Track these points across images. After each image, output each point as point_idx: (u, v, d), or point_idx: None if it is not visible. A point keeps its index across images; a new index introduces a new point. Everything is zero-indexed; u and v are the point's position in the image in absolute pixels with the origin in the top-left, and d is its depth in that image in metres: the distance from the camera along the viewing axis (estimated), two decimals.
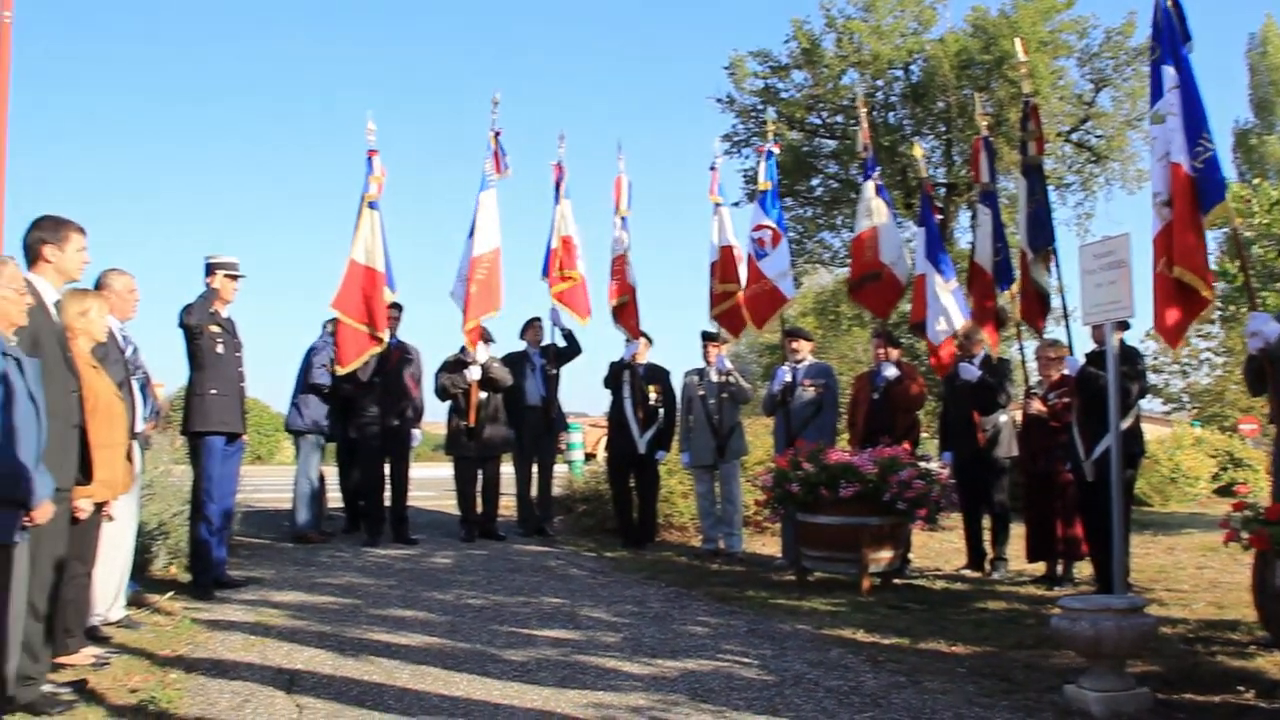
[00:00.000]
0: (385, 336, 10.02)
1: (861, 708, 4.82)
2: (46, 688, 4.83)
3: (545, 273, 11.29)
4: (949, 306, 9.52)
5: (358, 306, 9.86)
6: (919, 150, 13.90)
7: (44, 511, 4.36)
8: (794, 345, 9.83)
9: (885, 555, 7.93)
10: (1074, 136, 20.95)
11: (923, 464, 8.01)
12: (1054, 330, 9.83)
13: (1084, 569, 8.25)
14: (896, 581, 8.22)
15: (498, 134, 10.95)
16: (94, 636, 6.01)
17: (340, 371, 9.97)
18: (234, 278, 7.89)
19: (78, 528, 5.30)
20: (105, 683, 5.19)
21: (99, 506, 5.59)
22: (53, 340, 4.92)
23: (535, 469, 11.36)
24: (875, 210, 10.05)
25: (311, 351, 10.57)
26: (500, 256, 10.70)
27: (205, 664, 5.60)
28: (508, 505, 11.65)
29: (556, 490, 12.06)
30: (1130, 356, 7.41)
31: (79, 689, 5.00)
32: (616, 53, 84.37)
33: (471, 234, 10.71)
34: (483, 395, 10.64)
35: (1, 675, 4.30)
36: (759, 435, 12.13)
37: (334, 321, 10.28)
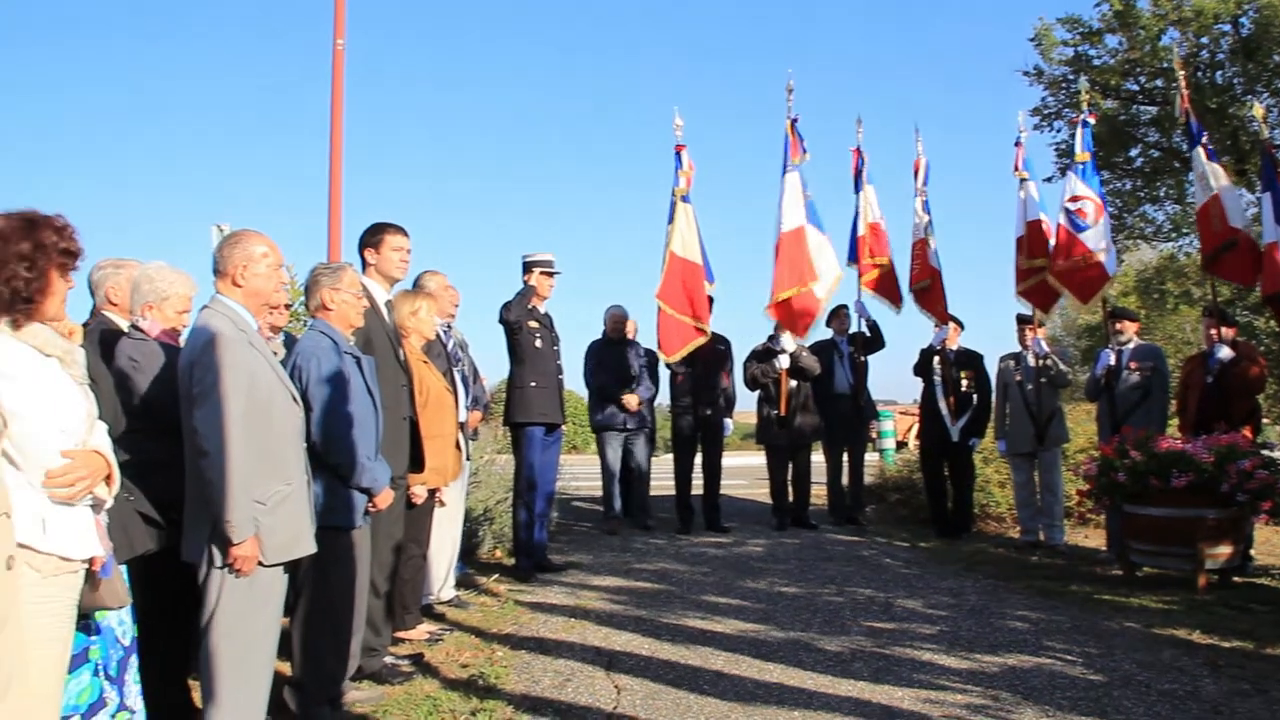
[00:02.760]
0: (708, 328, 10.18)
1: (1200, 715, 4.47)
2: (388, 659, 5.26)
3: (852, 259, 11.16)
4: None
5: (679, 298, 10.08)
6: (1259, 110, 12.74)
7: (384, 498, 4.70)
8: (1119, 326, 9.29)
9: (1223, 551, 7.33)
10: None
11: (1266, 452, 7.40)
12: None
13: None
14: (1236, 579, 7.62)
15: (794, 121, 10.90)
16: (428, 614, 6.46)
17: (667, 361, 10.21)
18: (550, 274, 8.22)
19: (413, 512, 5.71)
20: (439, 657, 5.58)
21: (432, 492, 5.99)
22: (384, 338, 5.30)
23: (846, 458, 11.28)
24: (1213, 176, 9.24)
25: (589, 353, 10.87)
26: (804, 235, 10.63)
27: (529, 643, 5.88)
28: (819, 494, 11.59)
29: (868, 479, 11.95)
30: None
31: (416, 661, 5.41)
32: (913, 29, 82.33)
33: (780, 218, 10.71)
34: (793, 384, 10.65)
35: (349, 647, 4.66)
36: (1080, 422, 11.57)
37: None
